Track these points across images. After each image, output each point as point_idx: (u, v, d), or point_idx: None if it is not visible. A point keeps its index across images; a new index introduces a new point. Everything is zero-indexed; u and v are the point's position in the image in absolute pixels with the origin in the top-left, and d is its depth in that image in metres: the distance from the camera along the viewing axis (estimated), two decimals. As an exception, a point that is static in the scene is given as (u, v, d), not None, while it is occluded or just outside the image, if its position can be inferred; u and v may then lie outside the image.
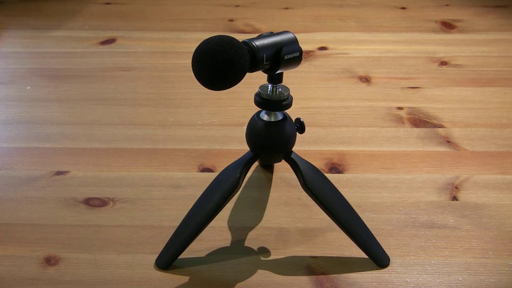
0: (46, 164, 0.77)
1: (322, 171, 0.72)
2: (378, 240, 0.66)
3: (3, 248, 0.66)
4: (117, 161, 0.77)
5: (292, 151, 0.63)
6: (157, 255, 0.64)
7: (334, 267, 0.63)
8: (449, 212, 0.70)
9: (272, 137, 0.60)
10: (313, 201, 0.63)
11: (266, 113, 0.60)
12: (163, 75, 0.91)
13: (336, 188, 0.64)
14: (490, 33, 0.98)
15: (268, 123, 0.60)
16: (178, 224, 0.63)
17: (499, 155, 0.77)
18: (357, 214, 0.64)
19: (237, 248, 0.66)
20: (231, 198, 0.62)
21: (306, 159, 0.64)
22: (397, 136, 0.80)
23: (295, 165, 0.62)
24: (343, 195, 0.65)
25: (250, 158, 0.62)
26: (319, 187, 0.63)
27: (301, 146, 0.68)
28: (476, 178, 0.74)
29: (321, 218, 0.67)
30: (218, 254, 0.65)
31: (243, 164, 0.62)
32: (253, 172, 0.75)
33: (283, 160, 0.64)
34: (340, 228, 0.63)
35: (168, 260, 0.63)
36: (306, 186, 0.62)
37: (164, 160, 0.77)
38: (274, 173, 0.74)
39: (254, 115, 0.61)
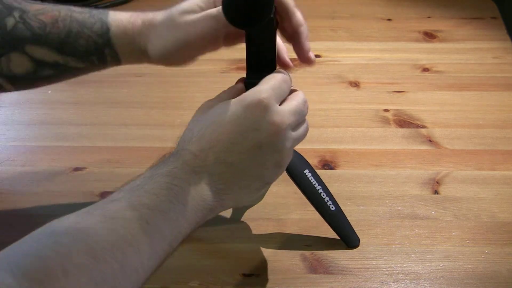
0: (66, 161, 0.76)
1: (315, 167, 0.72)
2: (366, 229, 0.66)
3: (26, 237, 0.66)
4: (130, 158, 0.77)
5: None
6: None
7: (326, 255, 0.63)
8: (431, 204, 0.69)
9: None
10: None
11: None
12: (172, 80, 0.91)
13: (317, 175, 0.64)
14: (468, 43, 0.98)
15: None
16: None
17: (476, 153, 0.77)
18: (334, 199, 0.64)
19: (239, 237, 0.66)
20: None
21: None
22: (383, 135, 0.80)
23: None
24: (331, 186, 0.64)
25: None
26: (299, 172, 0.63)
27: (297, 145, 0.67)
28: (455, 173, 0.74)
29: (315, 210, 0.67)
30: (222, 243, 0.65)
31: None
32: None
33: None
34: (316, 209, 0.63)
35: None
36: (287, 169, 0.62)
37: (173, 157, 0.77)
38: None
39: None
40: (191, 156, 0.49)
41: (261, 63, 0.56)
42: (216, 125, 0.49)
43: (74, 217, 0.44)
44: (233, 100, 0.50)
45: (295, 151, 0.64)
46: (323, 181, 0.64)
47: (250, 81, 0.55)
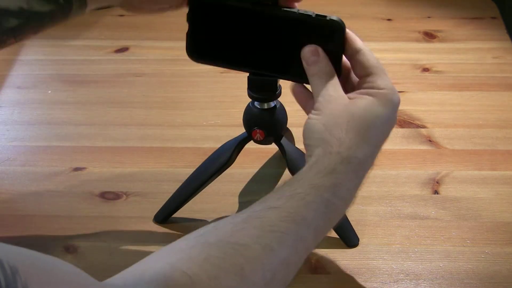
0: (65, 161, 0.76)
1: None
2: (366, 229, 0.66)
3: (28, 237, 0.66)
4: (130, 158, 0.77)
5: (283, 136, 0.64)
6: (166, 244, 0.64)
7: (326, 256, 0.63)
8: (431, 204, 0.69)
9: (264, 122, 0.61)
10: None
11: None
12: (172, 80, 0.91)
13: None
14: (468, 43, 0.97)
15: (261, 110, 0.60)
16: (185, 215, 0.63)
17: (476, 152, 0.77)
18: None
19: (238, 237, 0.66)
20: (223, 171, 0.64)
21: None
22: (383, 135, 0.80)
23: (282, 148, 0.63)
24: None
25: (243, 138, 0.63)
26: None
27: (297, 145, 0.67)
28: (455, 173, 0.74)
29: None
30: (222, 243, 0.65)
31: (237, 144, 0.64)
32: (262, 169, 0.74)
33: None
34: None
35: (164, 216, 0.67)
36: (289, 168, 0.63)
37: (173, 157, 0.77)
38: (273, 169, 0.74)
39: (249, 103, 0.62)
40: (357, 163, 0.48)
41: None
42: (376, 129, 0.49)
43: (230, 226, 0.44)
44: (384, 102, 0.50)
45: (296, 149, 0.64)
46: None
47: None
